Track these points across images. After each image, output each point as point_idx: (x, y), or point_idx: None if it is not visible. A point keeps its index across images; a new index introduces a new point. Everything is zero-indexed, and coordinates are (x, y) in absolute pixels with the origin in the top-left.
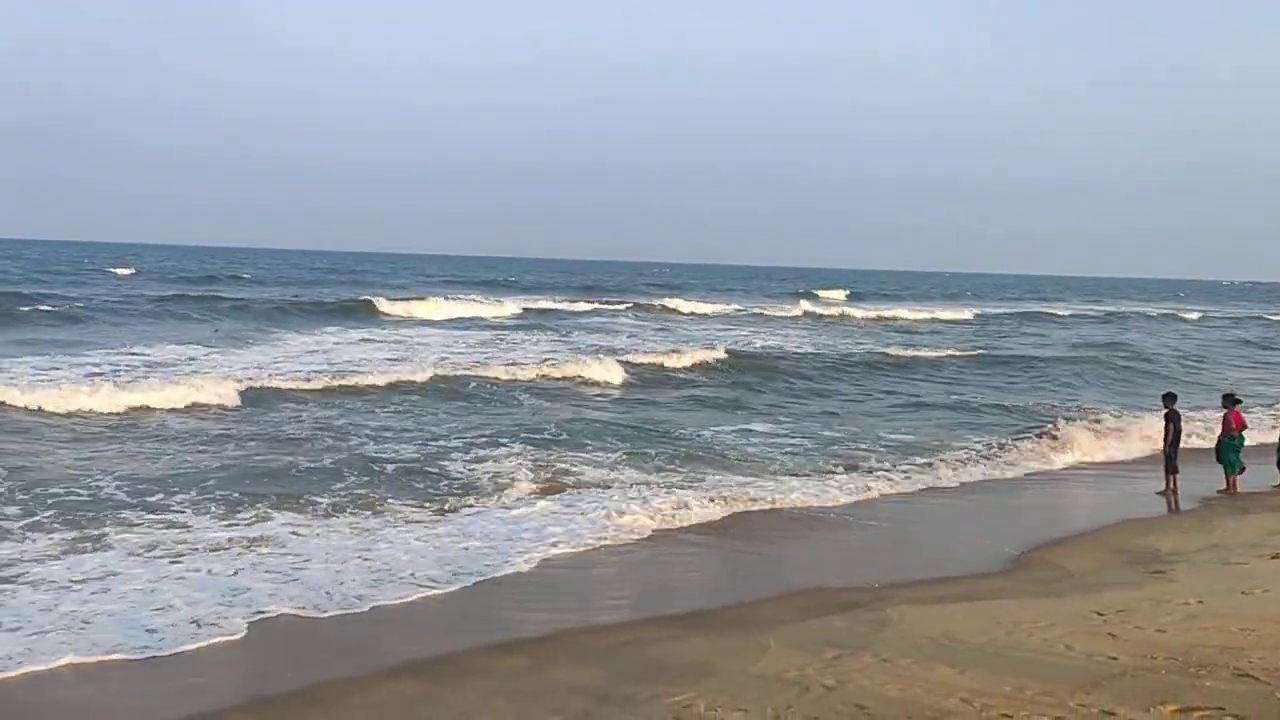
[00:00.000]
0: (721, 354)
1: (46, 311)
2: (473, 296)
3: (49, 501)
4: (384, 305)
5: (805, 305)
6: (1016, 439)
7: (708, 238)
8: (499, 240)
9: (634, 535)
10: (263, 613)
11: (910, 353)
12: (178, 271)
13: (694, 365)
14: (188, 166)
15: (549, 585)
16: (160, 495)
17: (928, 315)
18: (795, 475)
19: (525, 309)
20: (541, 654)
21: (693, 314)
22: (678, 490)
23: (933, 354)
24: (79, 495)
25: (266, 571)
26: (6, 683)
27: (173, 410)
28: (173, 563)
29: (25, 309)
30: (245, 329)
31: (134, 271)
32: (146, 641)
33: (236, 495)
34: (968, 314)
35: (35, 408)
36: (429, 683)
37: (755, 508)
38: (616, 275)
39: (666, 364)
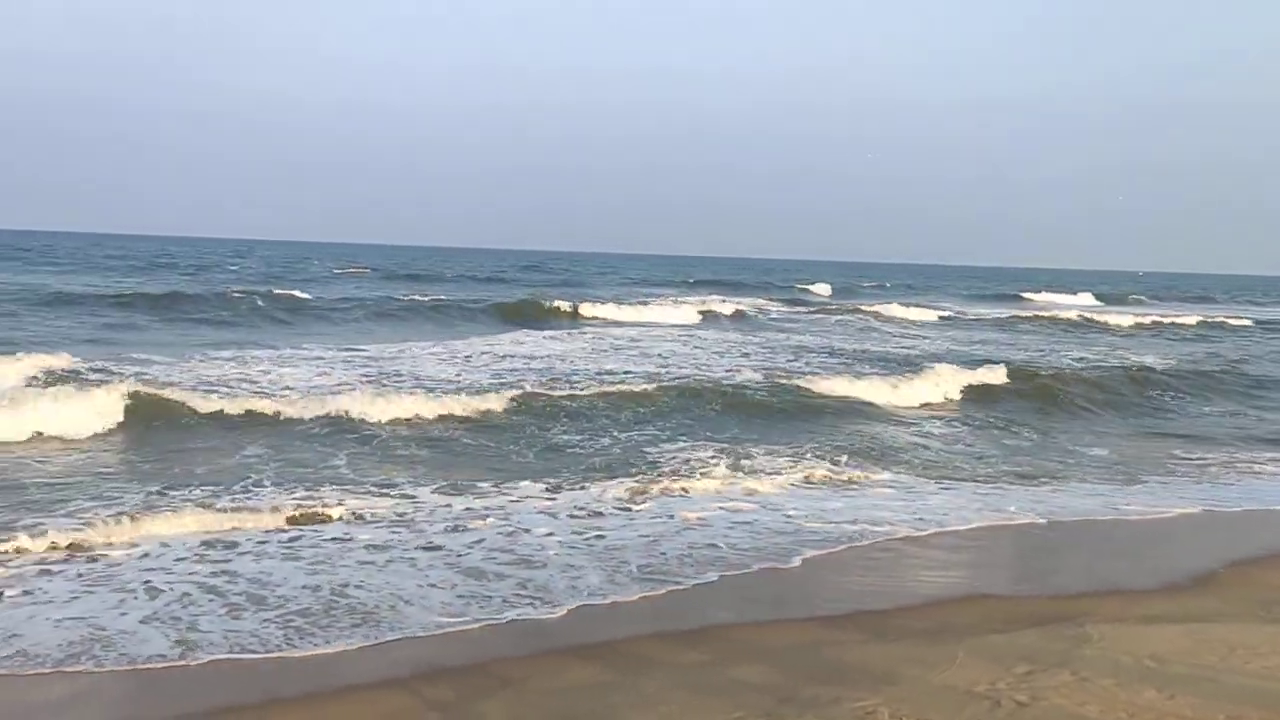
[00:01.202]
0: (1007, 372)
1: (283, 309)
2: (685, 298)
3: (290, 479)
4: (591, 308)
5: (1056, 311)
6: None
7: (879, 235)
8: (661, 238)
9: (833, 545)
10: (509, 602)
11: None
12: (396, 270)
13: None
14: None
15: (742, 586)
16: (382, 477)
17: (1192, 318)
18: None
19: (737, 310)
20: (722, 649)
21: (933, 318)
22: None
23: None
24: (313, 476)
25: (498, 551)
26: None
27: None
28: (396, 541)
29: (264, 305)
30: (470, 328)
31: (366, 269)
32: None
33: (469, 483)
34: (1245, 320)
35: (255, 411)
36: (616, 671)
37: (993, 523)
38: (796, 275)
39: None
